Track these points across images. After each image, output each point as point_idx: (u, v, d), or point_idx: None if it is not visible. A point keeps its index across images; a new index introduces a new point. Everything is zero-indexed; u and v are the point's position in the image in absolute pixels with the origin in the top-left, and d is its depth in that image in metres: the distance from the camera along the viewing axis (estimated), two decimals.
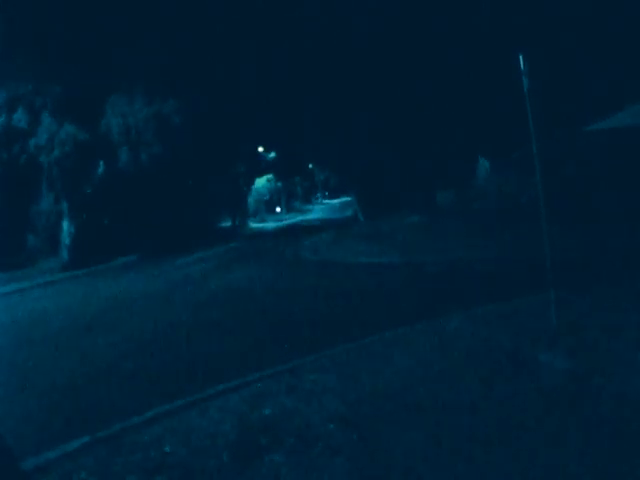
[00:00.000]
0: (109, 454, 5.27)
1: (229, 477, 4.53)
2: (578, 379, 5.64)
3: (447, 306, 9.65)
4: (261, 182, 72.98)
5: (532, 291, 8.97)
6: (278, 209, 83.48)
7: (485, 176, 28.48)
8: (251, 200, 69.32)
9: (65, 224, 30.03)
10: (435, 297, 11.15)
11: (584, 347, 6.49)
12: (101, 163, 30.45)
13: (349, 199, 62.40)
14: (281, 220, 67.47)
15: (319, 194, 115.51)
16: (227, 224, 55.94)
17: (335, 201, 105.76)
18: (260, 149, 55.90)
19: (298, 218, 67.55)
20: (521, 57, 7.07)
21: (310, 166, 77.98)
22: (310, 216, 68.83)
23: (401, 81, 28.26)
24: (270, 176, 73.70)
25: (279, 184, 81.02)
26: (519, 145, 20.05)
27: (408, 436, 4.88)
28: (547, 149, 7.74)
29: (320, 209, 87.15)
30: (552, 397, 5.33)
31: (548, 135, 14.80)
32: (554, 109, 15.97)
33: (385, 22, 26.72)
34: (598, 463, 4.13)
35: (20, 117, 26.93)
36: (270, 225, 58.94)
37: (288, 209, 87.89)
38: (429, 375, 6.29)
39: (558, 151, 18.16)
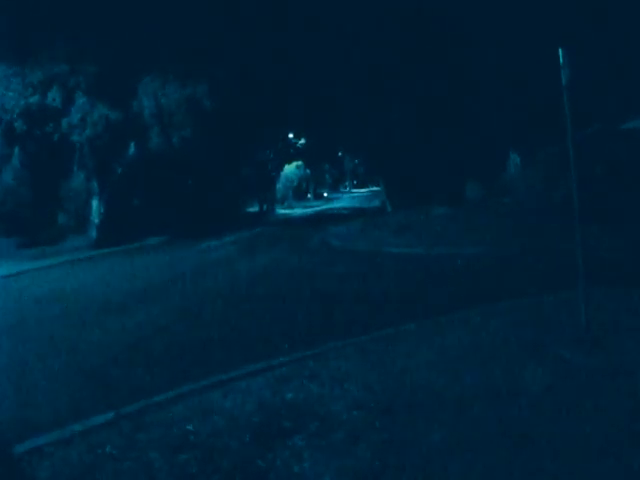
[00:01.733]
0: (133, 430, 5.33)
1: (251, 458, 4.56)
2: (602, 377, 5.59)
3: (473, 299, 9.60)
4: (290, 168, 73.12)
5: (561, 288, 8.88)
6: (309, 195, 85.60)
7: (515, 171, 28.24)
8: (279, 186, 69.46)
9: (95, 203, 30.29)
10: (461, 290, 11.10)
11: (611, 345, 6.43)
12: (132, 144, 30.66)
13: (377, 189, 62.21)
14: (309, 207, 67.55)
15: (347, 183, 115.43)
16: (255, 209, 56.13)
17: (363, 190, 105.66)
18: (290, 135, 55.90)
19: (326, 206, 67.58)
20: (561, 51, 6.97)
21: (339, 154, 77.96)
22: (338, 204, 68.85)
23: (435, 72, 28.06)
24: (299, 163, 73.79)
25: (308, 171, 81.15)
26: (551, 141, 19.82)
27: (431, 427, 4.87)
28: (580, 146, 7.64)
29: (348, 198, 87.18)
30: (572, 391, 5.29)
31: (582, 132, 14.61)
32: (589, 105, 15.75)
33: (419, 11, 26.53)
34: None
35: (54, 96, 27.11)
36: (297, 212, 59.05)
37: (316, 196, 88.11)
38: (452, 367, 6.26)
39: (592, 148, 17.92)
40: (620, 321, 7.31)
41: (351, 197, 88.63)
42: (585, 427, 4.59)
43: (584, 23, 20.00)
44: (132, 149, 30.72)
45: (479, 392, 5.49)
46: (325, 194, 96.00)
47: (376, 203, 50.17)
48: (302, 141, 58.61)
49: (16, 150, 28.85)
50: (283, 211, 61.21)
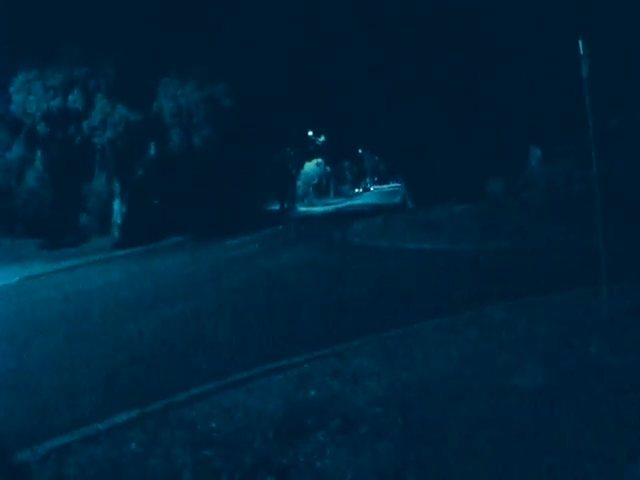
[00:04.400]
0: (157, 427, 5.37)
1: (274, 454, 4.58)
2: (627, 370, 5.55)
3: (495, 295, 9.55)
4: (310, 166, 73.15)
5: (584, 283, 8.81)
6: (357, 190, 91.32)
7: (536, 165, 28.00)
8: (300, 184, 69.51)
9: (116, 204, 30.51)
10: (483, 286, 11.04)
11: (635, 339, 6.37)
12: (152, 144, 30.81)
13: (398, 185, 62.06)
14: (329, 204, 67.53)
15: (368, 179, 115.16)
16: (275, 207, 56.21)
17: (384, 187, 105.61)
18: (310, 133, 55.88)
19: (346, 203, 67.51)
20: (580, 42, 6.92)
21: (360, 151, 77.87)
22: (358, 201, 68.74)
23: (453, 68, 27.91)
24: (319, 160, 73.76)
25: (328, 168, 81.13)
26: (573, 135, 19.62)
27: (453, 423, 4.87)
28: (602, 139, 7.57)
29: (368, 195, 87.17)
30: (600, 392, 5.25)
31: (603, 125, 14.45)
32: (609, 99, 15.57)
33: (438, 6, 26.37)
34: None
35: (75, 98, 27.33)
36: (318, 209, 59.04)
37: (336, 194, 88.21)
38: (475, 362, 6.24)
39: (612, 142, 17.72)
40: None
41: (371, 194, 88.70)
42: (608, 419, 4.58)
43: (604, 15, 19.77)
44: (152, 150, 30.88)
45: (500, 387, 5.48)
46: (371, 188, 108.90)
47: (397, 199, 50.05)
48: (322, 138, 58.56)
49: (38, 153, 29.14)
50: (304, 209, 61.23)
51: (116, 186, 30.59)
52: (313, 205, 68.10)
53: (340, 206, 60.80)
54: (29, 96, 26.78)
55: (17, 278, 19.45)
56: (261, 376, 6.60)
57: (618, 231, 11.39)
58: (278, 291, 12.90)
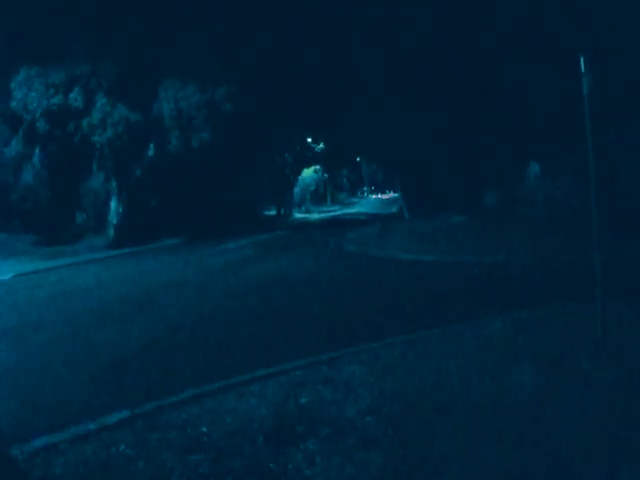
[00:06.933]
0: (147, 430, 5.35)
1: (264, 461, 4.57)
2: (618, 388, 5.55)
3: (488, 308, 9.55)
4: (308, 173, 73.13)
5: (578, 298, 8.81)
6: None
7: (534, 179, 28.09)
8: (297, 190, 69.52)
9: (113, 203, 30.50)
10: (476, 299, 11.05)
11: (628, 357, 6.37)
12: (151, 145, 30.83)
13: (395, 195, 62.11)
14: (326, 212, 67.55)
15: (365, 188, 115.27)
16: (272, 213, 56.21)
17: (381, 196, 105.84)
18: (309, 140, 55.97)
19: (343, 211, 67.53)
20: (582, 59, 6.92)
21: (358, 159, 77.89)
22: (355, 209, 68.80)
23: (453, 80, 27.98)
24: (317, 167, 73.78)
25: (326, 175, 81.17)
26: (571, 149, 19.70)
27: (443, 433, 4.86)
28: (601, 155, 7.58)
29: (365, 203, 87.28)
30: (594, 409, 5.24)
31: (601, 140, 14.50)
32: (608, 112, 15.61)
33: (438, 15, 26.45)
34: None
35: (76, 96, 27.34)
36: (314, 216, 59.08)
37: (333, 201, 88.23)
38: (464, 374, 6.23)
39: (611, 157, 17.79)
40: (637, 332, 7.25)
41: (368, 203, 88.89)
42: (602, 438, 4.57)
43: (604, 28, 19.82)
44: (151, 151, 30.90)
45: (489, 400, 5.47)
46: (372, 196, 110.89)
47: (394, 209, 50.12)
48: (321, 145, 58.64)
49: (37, 150, 29.10)
50: (300, 215, 61.25)
51: (113, 186, 30.59)
52: (309, 212, 68.12)
53: (336, 214, 60.84)
54: (30, 92, 26.77)
55: (11, 274, 19.40)
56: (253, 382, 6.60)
57: (616, 246, 11.43)
58: (269, 296, 12.91)
